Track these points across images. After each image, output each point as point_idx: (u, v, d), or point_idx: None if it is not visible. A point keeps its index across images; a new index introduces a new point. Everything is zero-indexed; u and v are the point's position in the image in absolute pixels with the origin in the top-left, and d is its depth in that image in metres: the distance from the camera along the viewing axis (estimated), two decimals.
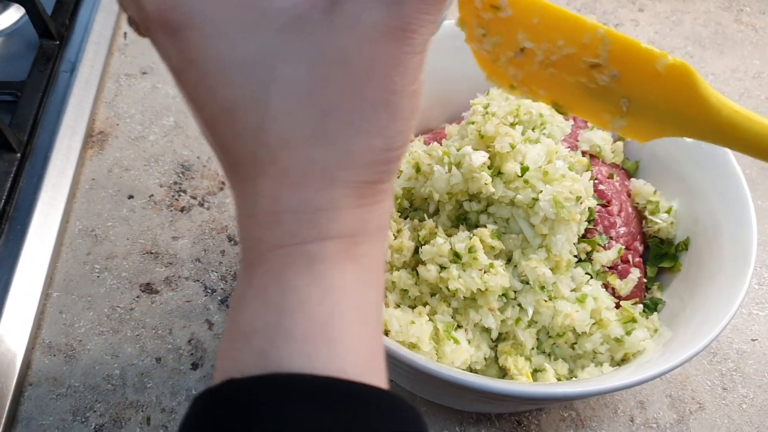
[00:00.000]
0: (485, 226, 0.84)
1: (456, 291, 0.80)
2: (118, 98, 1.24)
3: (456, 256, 0.81)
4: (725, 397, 0.97)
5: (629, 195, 0.98)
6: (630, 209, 0.96)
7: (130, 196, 1.11)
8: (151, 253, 1.05)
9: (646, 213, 0.98)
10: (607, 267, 0.91)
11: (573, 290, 0.85)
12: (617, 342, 0.84)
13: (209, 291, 1.02)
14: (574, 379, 0.83)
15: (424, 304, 0.83)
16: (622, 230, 0.93)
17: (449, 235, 0.85)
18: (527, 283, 0.83)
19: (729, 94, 1.37)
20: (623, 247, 0.91)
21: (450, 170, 0.84)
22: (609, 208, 0.93)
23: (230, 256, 1.06)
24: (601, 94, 0.60)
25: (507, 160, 0.83)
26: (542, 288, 0.83)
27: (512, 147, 0.83)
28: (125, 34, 1.35)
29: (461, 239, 0.82)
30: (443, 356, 0.79)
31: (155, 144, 1.19)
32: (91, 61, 1.24)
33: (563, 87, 0.61)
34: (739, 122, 0.57)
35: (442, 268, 0.82)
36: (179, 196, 1.12)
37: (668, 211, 0.97)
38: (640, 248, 0.96)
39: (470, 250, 0.80)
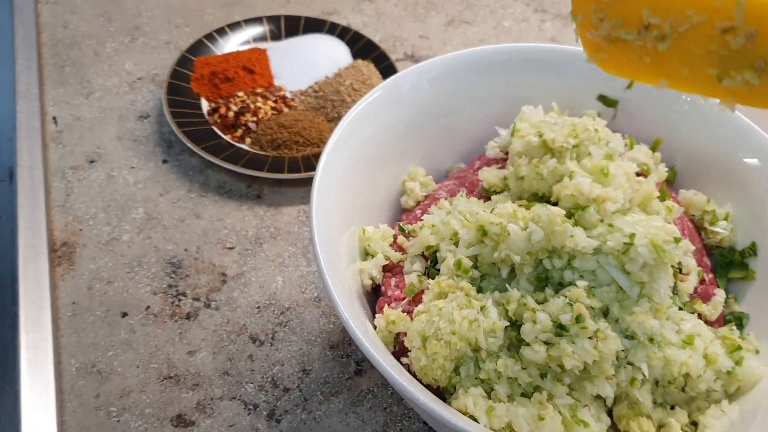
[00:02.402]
0: (573, 284, 0.76)
1: (570, 368, 0.71)
2: (71, 198, 1.07)
3: (561, 328, 0.72)
4: None
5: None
6: (688, 223, 0.91)
7: (124, 314, 0.96)
8: (170, 377, 0.90)
9: (705, 224, 0.92)
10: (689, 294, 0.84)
11: (676, 332, 0.78)
12: (729, 375, 0.78)
13: (251, 407, 0.88)
14: (705, 430, 0.77)
15: (535, 389, 0.74)
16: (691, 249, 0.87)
17: (539, 302, 0.76)
18: (632, 338, 0.75)
19: None
20: (701, 269, 0.85)
21: (526, 227, 0.75)
22: None
23: (260, 361, 0.92)
24: (729, 59, 0.57)
25: (584, 155, 0.81)
26: (651, 340, 0.75)
27: (582, 144, 0.79)
28: (54, 118, 1.17)
29: (560, 308, 0.73)
30: None
31: (132, 244, 1.03)
32: (27, 160, 1.06)
33: (684, 60, 0.60)
34: None
35: (547, 344, 0.73)
36: (179, 300, 0.97)
37: (726, 218, 0.92)
38: (709, 263, 0.91)
39: (577, 319, 0.72)
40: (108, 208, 1.06)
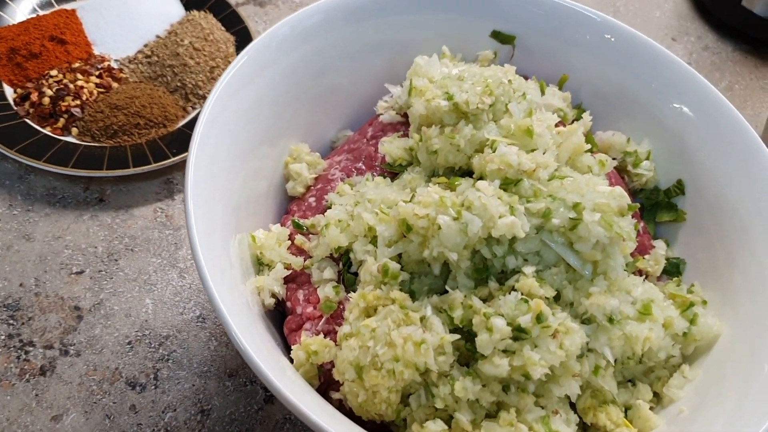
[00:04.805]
0: (519, 271, 0.65)
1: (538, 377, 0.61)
2: None
3: (519, 330, 0.61)
4: None
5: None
6: (614, 170, 0.82)
7: None
8: None
9: (629, 167, 0.83)
10: None
11: (631, 303, 0.69)
12: (685, 336, 0.71)
13: None
14: (672, 403, 0.69)
15: (499, 405, 0.63)
16: None
17: (484, 300, 0.64)
18: (591, 321, 0.66)
19: None
20: (636, 221, 0.76)
21: (459, 216, 0.62)
22: None
23: (146, 411, 0.75)
24: None
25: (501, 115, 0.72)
26: (611, 320, 0.66)
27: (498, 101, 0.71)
28: None
29: (514, 307, 0.61)
30: None
31: None
32: None
33: None
34: None
35: (505, 352, 0.61)
36: (26, 353, 0.77)
37: (648, 157, 0.84)
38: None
39: (538, 319, 0.60)
40: None
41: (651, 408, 0.69)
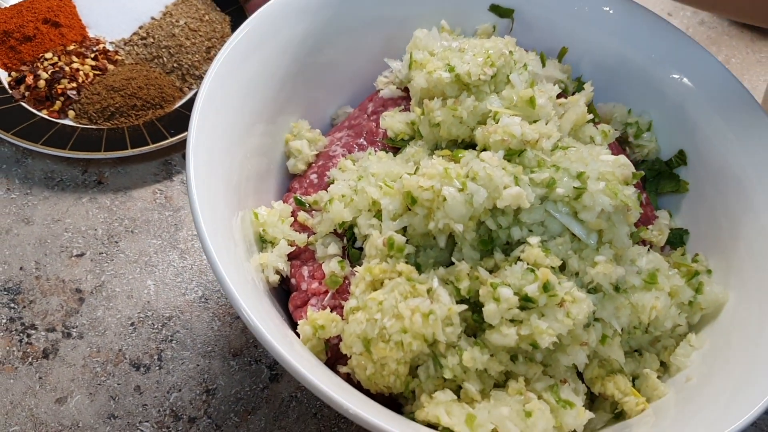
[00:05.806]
0: (524, 242, 0.64)
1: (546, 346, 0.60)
2: None
3: (526, 300, 0.60)
4: None
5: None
6: (615, 141, 0.81)
7: None
8: None
9: (630, 138, 0.83)
10: None
11: (637, 272, 0.69)
12: (691, 305, 0.71)
13: None
14: (679, 372, 0.69)
15: (507, 374, 0.63)
16: None
17: (490, 271, 0.64)
18: (597, 291, 0.66)
19: None
20: (638, 191, 0.76)
21: (464, 188, 0.62)
22: None
23: (151, 391, 0.75)
24: None
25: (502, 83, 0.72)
26: (617, 289, 0.66)
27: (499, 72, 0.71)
28: None
29: (521, 277, 0.61)
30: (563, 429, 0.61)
31: None
32: None
33: None
34: None
35: (513, 321, 0.61)
36: (28, 336, 0.77)
37: (649, 128, 0.83)
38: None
39: (545, 287, 0.60)
40: None
41: (658, 377, 0.69)
